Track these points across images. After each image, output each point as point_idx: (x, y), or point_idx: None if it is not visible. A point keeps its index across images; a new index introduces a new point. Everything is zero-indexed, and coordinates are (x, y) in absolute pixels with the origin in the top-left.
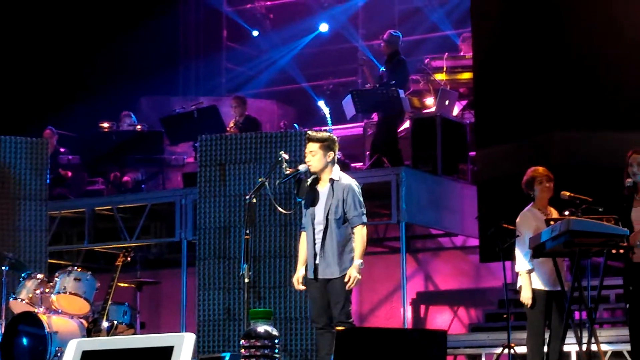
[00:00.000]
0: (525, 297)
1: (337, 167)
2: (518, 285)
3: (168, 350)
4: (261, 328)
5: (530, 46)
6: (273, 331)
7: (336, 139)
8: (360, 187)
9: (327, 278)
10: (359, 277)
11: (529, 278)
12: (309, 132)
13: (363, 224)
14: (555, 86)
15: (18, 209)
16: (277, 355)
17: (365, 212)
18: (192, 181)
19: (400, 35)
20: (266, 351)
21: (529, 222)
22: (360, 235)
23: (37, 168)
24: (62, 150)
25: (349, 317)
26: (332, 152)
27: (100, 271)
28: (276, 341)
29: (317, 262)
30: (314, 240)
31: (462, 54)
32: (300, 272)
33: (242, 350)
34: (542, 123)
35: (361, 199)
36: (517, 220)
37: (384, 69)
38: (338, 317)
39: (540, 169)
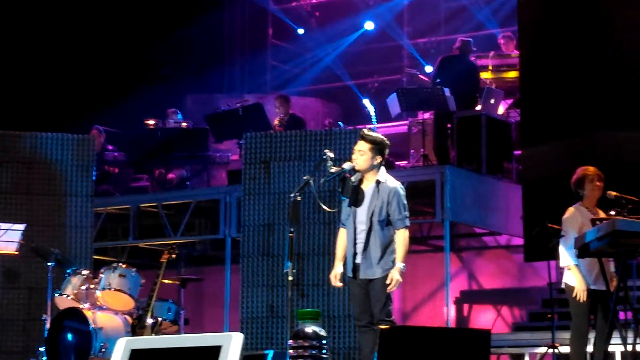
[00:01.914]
0: (580, 290)
1: (383, 169)
2: (563, 284)
3: (216, 350)
4: (309, 328)
5: (576, 45)
6: (321, 332)
7: (388, 144)
8: (405, 185)
9: (369, 278)
10: (400, 279)
11: (578, 271)
12: (364, 130)
13: (406, 227)
14: (601, 85)
15: (64, 205)
16: (325, 356)
17: (408, 215)
18: (236, 179)
19: (470, 40)
20: (314, 352)
21: (576, 219)
22: (402, 238)
23: (83, 165)
24: (110, 147)
25: (389, 315)
26: (380, 157)
27: (144, 268)
28: (324, 342)
29: (357, 261)
30: (355, 239)
31: (506, 52)
32: (338, 269)
33: (290, 351)
34: (588, 122)
35: (405, 203)
36: (564, 216)
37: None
38: (379, 315)
39: (591, 168)
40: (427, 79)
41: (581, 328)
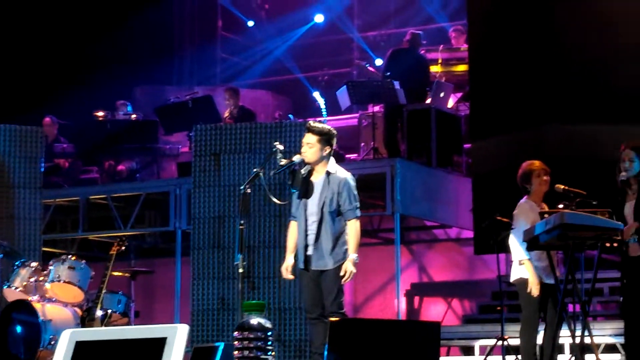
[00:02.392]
0: (534, 284)
1: (332, 160)
2: (512, 278)
3: (161, 342)
4: (254, 320)
5: (525, 39)
6: (266, 323)
7: (335, 133)
8: (355, 178)
9: (320, 270)
10: (354, 271)
11: (531, 265)
12: (310, 122)
13: (357, 217)
14: (549, 79)
15: (12, 197)
16: (270, 348)
17: (359, 206)
18: (186, 171)
19: (420, 33)
20: (259, 343)
21: (527, 214)
22: (354, 229)
23: (31, 156)
24: (62, 139)
25: (341, 307)
26: (329, 147)
27: (94, 260)
28: (269, 333)
29: (308, 253)
30: (306, 231)
31: (457, 46)
32: (289, 261)
33: (236, 342)
34: (537, 116)
35: (356, 193)
36: (515, 211)
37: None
38: (330, 307)
39: (537, 162)
40: (376, 72)
41: (531, 321)
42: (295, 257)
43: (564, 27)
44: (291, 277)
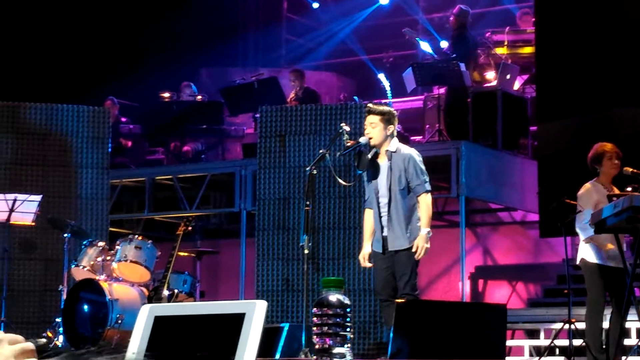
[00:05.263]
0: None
1: (395, 139)
2: (578, 260)
3: (240, 317)
4: (333, 297)
5: (592, 21)
6: (345, 300)
7: (396, 112)
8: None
9: (396, 249)
10: (427, 246)
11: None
12: (370, 104)
13: (427, 191)
14: (617, 61)
15: (80, 177)
16: (349, 324)
17: (428, 179)
18: (251, 152)
19: (469, 10)
20: (338, 320)
21: (590, 195)
22: (425, 203)
23: (98, 137)
24: (123, 120)
25: (414, 289)
26: (392, 126)
27: (159, 240)
28: (348, 310)
29: (384, 234)
30: (380, 213)
31: (523, 28)
32: (366, 249)
33: (314, 319)
34: (604, 98)
35: (423, 167)
36: (579, 192)
37: (448, 43)
38: (403, 289)
39: (609, 145)
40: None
41: (597, 304)
42: (373, 241)
43: (632, 8)
44: (369, 265)
